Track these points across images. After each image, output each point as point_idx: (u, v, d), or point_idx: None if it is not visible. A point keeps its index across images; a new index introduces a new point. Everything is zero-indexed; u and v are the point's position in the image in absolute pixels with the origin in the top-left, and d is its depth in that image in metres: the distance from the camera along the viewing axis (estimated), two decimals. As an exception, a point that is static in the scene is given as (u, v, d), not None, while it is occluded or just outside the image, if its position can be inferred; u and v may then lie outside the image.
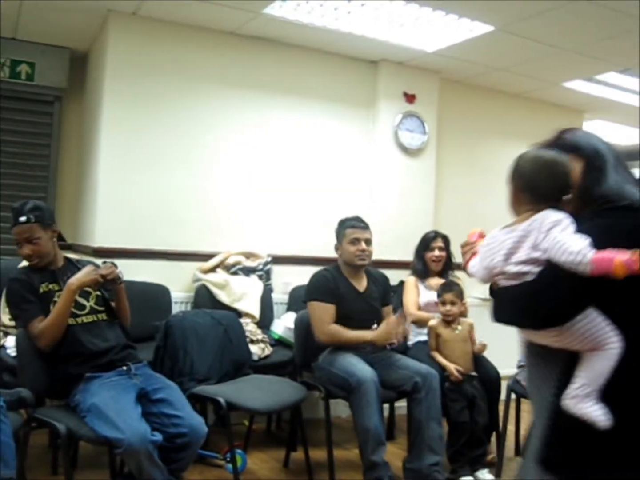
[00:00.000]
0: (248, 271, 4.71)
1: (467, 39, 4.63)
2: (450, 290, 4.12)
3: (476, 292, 5.26)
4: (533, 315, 1.62)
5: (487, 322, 5.47)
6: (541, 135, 6.94)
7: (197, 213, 4.70)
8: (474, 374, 4.05)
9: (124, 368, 3.10)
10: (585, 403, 1.55)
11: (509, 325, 1.72)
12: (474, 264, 1.80)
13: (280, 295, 4.96)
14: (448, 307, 4.10)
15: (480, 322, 4.45)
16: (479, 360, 4.13)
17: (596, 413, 1.53)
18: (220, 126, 4.79)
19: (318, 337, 3.79)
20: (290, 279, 4.88)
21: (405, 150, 5.33)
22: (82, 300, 3.16)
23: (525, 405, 4.21)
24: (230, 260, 4.68)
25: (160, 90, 4.59)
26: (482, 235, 1.85)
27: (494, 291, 1.75)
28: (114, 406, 2.81)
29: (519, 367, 4.07)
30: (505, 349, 4.45)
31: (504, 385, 4.14)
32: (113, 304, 3.31)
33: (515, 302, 1.66)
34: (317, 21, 4.45)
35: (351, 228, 3.90)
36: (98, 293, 3.25)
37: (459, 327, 4.11)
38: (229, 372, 3.80)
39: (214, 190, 4.76)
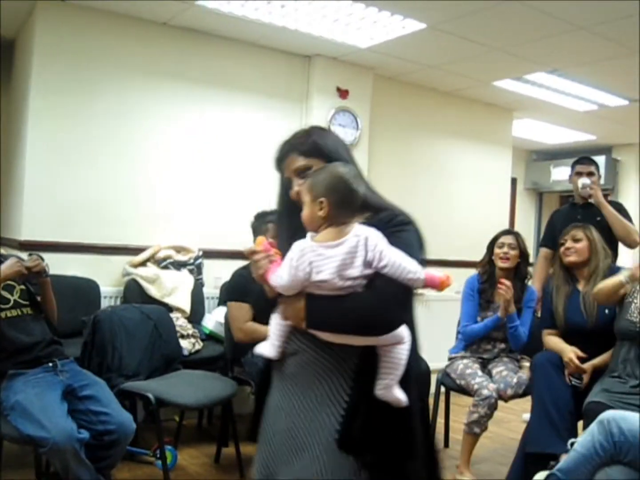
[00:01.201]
0: (179, 265, 4.67)
1: (400, 36, 4.68)
2: None
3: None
4: (379, 323, 1.73)
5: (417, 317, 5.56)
6: (472, 132, 7.12)
7: (127, 206, 4.63)
8: (404, 367, 4.09)
9: (50, 364, 3.04)
10: (394, 389, 1.74)
11: (331, 333, 1.75)
12: (281, 275, 1.74)
13: (211, 290, 4.93)
14: None
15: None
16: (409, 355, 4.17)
17: (401, 396, 1.74)
18: (151, 118, 4.72)
19: (236, 336, 3.76)
20: (222, 273, 4.84)
21: (338, 145, 5.34)
22: (5, 294, 3.07)
23: (455, 398, 4.31)
24: (161, 254, 4.62)
25: (90, 80, 4.48)
26: (273, 245, 1.81)
27: (316, 299, 1.74)
28: (39, 404, 2.75)
29: (450, 359, 4.15)
30: (434, 343, 4.53)
31: (433, 378, 4.21)
32: (39, 298, 3.23)
33: (356, 311, 1.72)
34: (251, 14, 4.42)
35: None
36: (23, 287, 3.17)
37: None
38: (158, 367, 3.76)
39: (145, 183, 4.69)
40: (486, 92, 6.13)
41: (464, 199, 6.44)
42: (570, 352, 3.44)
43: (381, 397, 1.75)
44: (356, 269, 1.72)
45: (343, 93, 5.38)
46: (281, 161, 1.92)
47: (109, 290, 4.52)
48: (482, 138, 6.61)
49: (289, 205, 1.90)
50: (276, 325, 1.86)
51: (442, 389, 4.16)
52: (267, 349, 1.88)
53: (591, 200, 4.60)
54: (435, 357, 4.37)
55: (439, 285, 1.82)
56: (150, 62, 4.69)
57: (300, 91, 5.33)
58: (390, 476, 1.76)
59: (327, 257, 1.72)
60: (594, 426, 2.33)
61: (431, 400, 4.13)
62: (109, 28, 4.52)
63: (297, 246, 1.76)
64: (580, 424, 3.30)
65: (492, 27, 4.43)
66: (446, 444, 4.51)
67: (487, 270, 4.14)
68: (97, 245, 4.50)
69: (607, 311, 3.50)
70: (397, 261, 1.73)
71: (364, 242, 1.74)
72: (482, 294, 4.13)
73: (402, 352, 1.77)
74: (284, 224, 1.97)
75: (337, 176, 1.79)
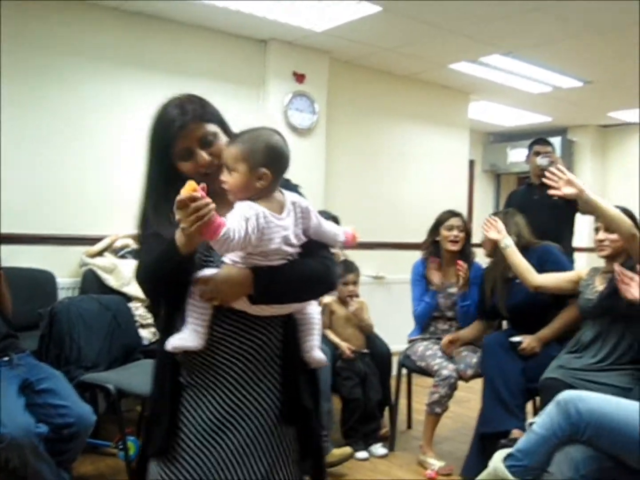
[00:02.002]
0: (137, 254, 4.61)
1: (355, 19, 4.65)
2: (353, 271, 4.19)
3: (367, 270, 5.35)
4: (325, 286, 1.83)
5: (377, 300, 5.62)
6: (429, 115, 7.12)
7: (83, 196, 4.55)
8: (365, 351, 4.12)
9: (6, 358, 2.99)
10: (317, 349, 1.85)
11: (279, 304, 1.74)
12: (238, 228, 1.55)
13: (170, 278, 4.87)
14: (351, 287, 4.16)
15: (370, 299, 4.55)
16: (369, 338, 4.21)
17: (322, 355, 1.86)
18: (105, 106, 4.63)
19: None
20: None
21: (295, 129, 5.32)
22: (-43, 287, 3.01)
23: (416, 379, 4.35)
24: (118, 244, 4.55)
25: (45, 67, 4.38)
26: (204, 189, 1.50)
27: (265, 270, 1.68)
28: (-5, 399, 2.70)
29: (409, 342, 4.19)
30: (395, 325, 4.58)
31: (395, 361, 4.24)
32: (-8, 291, 3.16)
33: (304, 278, 1.74)
34: (204, -2, 4.37)
35: None
36: (-25, 281, 3.10)
37: (351, 305, 4.17)
38: (118, 357, 3.73)
39: (101, 171, 4.61)
40: (442, 74, 6.15)
41: (423, 181, 6.47)
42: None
43: (309, 360, 1.82)
44: (298, 236, 1.74)
45: (299, 77, 5.35)
46: (179, 130, 1.72)
47: (66, 281, 4.44)
48: (440, 121, 6.64)
49: (174, 182, 1.67)
50: (198, 308, 1.67)
51: (404, 371, 4.19)
52: (188, 339, 1.66)
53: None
54: (397, 339, 4.43)
55: (352, 241, 1.94)
56: (103, 47, 4.59)
57: (257, 76, 5.28)
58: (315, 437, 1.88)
59: (277, 226, 1.68)
60: (552, 407, 2.36)
61: (393, 382, 4.18)
62: (62, 14, 4.41)
63: (249, 208, 1.64)
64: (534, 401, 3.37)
65: (447, 10, 4.43)
66: (409, 425, 4.55)
67: (431, 253, 4.19)
68: (53, 236, 4.42)
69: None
70: (324, 225, 1.81)
71: (300, 210, 1.76)
72: (427, 277, 4.18)
73: (317, 311, 1.86)
74: (168, 206, 1.64)
75: (279, 145, 1.75)
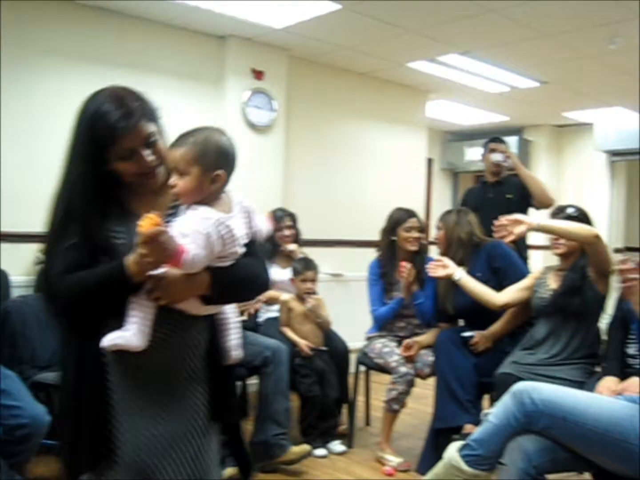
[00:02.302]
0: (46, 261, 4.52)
1: (315, 17, 4.65)
2: (311, 268, 4.19)
3: (326, 268, 5.35)
4: (264, 285, 1.89)
5: (336, 297, 5.63)
6: (388, 113, 7.14)
7: (37, 191, 4.45)
8: (323, 348, 4.13)
9: (-44, 359, 2.92)
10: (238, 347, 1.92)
11: (230, 302, 1.83)
12: (197, 252, 1.57)
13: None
14: (309, 284, 4.16)
15: (329, 297, 4.56)
16: (328, 335, 4.21)
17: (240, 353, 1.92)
18: (56, 99, 4.53)
19: None
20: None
21: (253, 127, 5.30)
22: None
23: (374, 376, 4.37)
24: (74, 241, 4.48)
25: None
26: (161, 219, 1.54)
27: (220, 271, 1.68)
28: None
29: (367, 339, 4.20)
30: (353, 323, 4.60)
31: (353, 358, 4.25)
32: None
33: (251, 277, 1.79)
34: (162, -7, 4.33)
35: None
36: None
37: (310, 303, 4.17)
38: (73, 357, 3.67)
39: (53, 167, 4.52)
40: (401, 73, 6.17)
41: (381, 179, 6.50)
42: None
43: (236, 357, 1.87)
44: (245, 236, 1.75)
45: (258, 74, 5.33)
46: (125, 131, 1.64)
47: (20, 279, 4.36)
48: (398, 119, 6.68)
49: (109, 183, 1.70)
50: (145, 308, 1.62)
51: (362, 368, 4.21)
52: (132, 339, 1.59)
53: (502, 177, 4.78)
54: (355, 337, 4.45)
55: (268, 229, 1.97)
56: (55, 41, 4.48)
57: (215, 73, 5.23)
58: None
59: (234, 229, 1.68)
60: (507, 398, 2.39)
61: (351, 380, 4.20)
62: (8, 6, 4.33)
63: (207, 219, 1.63)
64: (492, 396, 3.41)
65: (405, 9, 4.45)
66: (367, 422, 4.58)
67: (387, 254, 4.19)
68: (5, 233, 4.33)
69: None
70: (259, 223, 1.84)
71: (245, 209, 1.78)
72: (385, 277, 4.19)
73: (232, 309, 1.89)
74: (99, 208, 1.68)
75: (229, 146, 1.74)
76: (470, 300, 3.62)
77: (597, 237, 3.07)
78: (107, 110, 1.65)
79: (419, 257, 4.14)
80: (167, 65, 4.97)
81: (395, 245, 4.15)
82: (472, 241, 3.77)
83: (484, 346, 3.62)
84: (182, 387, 1.72)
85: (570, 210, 3.36)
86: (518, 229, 3.13)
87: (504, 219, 3.19)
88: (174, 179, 1.68)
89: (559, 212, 3.40)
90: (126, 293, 1.60)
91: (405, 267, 3.94)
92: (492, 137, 5.07)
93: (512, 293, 3.51)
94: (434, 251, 4.21)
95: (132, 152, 1.67)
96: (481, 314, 3.64)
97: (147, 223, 1.48)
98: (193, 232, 1.60)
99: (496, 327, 3.66)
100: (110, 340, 1.60)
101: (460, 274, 3.58)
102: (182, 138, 1.71)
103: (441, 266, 3.64)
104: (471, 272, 3.70)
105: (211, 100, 5.21)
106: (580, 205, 3.46)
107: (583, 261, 3.26)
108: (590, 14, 4.37)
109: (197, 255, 1.57)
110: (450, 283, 3.72)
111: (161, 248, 1.51)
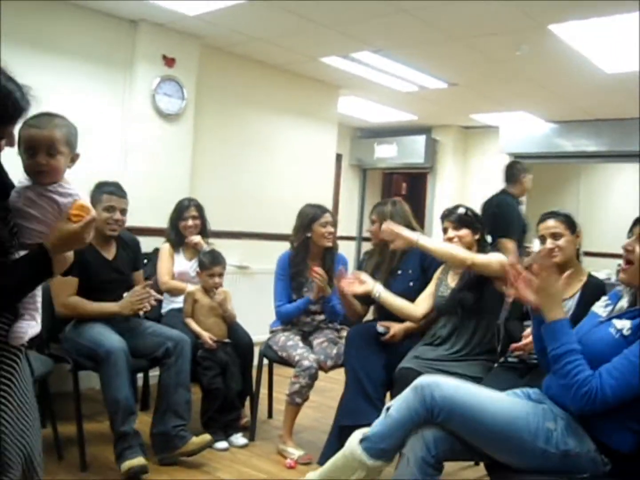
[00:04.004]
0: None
1: (229, 6, 4.59)
2: (220, 262, 4.14)
3: (232, 260, 5.32)
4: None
5: (241, 289, 5.60)
6: (299, 107, 7.12)
7: None
8: (227, 340, 4.10)
9: None
10: None
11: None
12: None
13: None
14: (217, 279, 4.12)
15: (234, 289, 4.54)
16: (232, 327, 4.18)
17: None
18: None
19: (58, 310, 3.62)
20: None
21: (162, 114, 5.19)
22: None
23: (278, 369, 4.37)
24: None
25: None
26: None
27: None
28: None
29: (271, 332, 4.20)
30: (257, 315, 4.59)
31: (256, 351, 4.24)
32: None
33: None
34: (70, -28, 4.18)
35: (108, 194, 3.72)
36: None
37: (216, 295, 4.14)
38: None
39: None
40: (313, 67, 6.19)
41: (290, 173, 6.50)
42: None
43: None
44: None
45: (169, 61, 5.22)
46: (25, 112, 1.72)
47: None
48: (309, 113, 6.69)
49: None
50: (37, 297, 1.83)
51: (265, 361, 4.20)
52: (37, 326, 1.79)
53: None
54: (259, 329, 4.44)
55: None
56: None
57: (125, 57, 5.09)
58: None
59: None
60: (409, 392, 2.43)
61: (254, 372, 4.18)
62: None
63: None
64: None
65: (319, 4, 4.45)
66: (270, 415, 4.58)
67: (302, 251, 4.17)
68: None
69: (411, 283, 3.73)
70: None
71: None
72: (296, 274, 4.18)
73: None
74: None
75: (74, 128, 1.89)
76: (402, 291, 3.63)
77: (472, 265, 3.16)
78: (12, 90, 1.65)
79: (330, 254, 4.17)
80: (75, 47, 4.80)
81: (309, 242, 4.14)
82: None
83: (400, 338, 3.63)
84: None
85: (460, 211, 3.43)
86: (397, 243, 3.22)
87: (386, 226, 3.25)
88: (43, 158, 1.78)
89: (449, 214, 3.47)
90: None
91: (318, 272, 3.93)
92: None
93: (426, 302, 3.54)
94: (366, 246, 4.21)
95: (9, 133, 1.69)
96: None
97: (79, 208, 1.78)
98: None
99: (412, 325, 3.67)
100: (28, 332, 1.73)
101: (378, 290, 3.53)
102: (44, 120, 1.81)
103: (358, 281, 3.57)
104: (403, 268, 3.74)
105: (120, 85, 5.07)
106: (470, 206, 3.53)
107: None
108: (499, 20, 4.49)
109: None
110: (387, 271, 3.72)
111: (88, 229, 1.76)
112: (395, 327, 3.64)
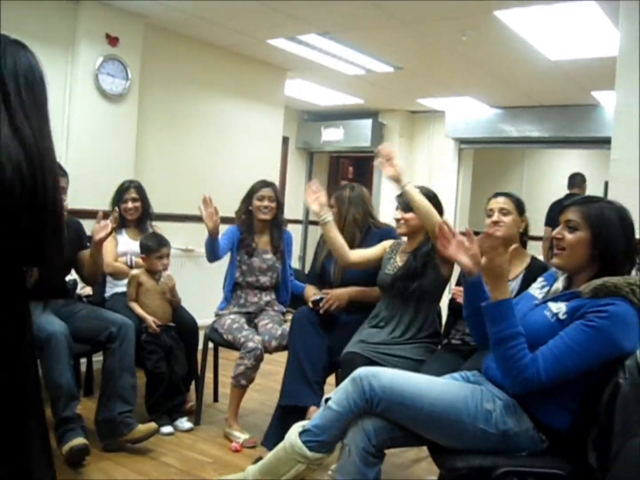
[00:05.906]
0: None
1: (173, -15, 4.53)
2: (166, 244, 4.11)
3: (176, 243, 5.27)
4: None
5: (186, 273, 5.56)
6: (246, 89, 7.07)
7: None
8: (171, 324, 4.07)
9: None
10: None
11: None
12: None
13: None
14: (165, 260, 4.08)
15: (179, 272, 4.50)
16: (176, 311, 4.15)
17: None
18: None
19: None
20: None
21: (105, 95, 5.09)
22: None
23: (223, 352, 4.36)
24: None
25: None
26: None
27: None
28: None
29: (217, 315, 4.18)
30: (202, 298, 4.56)
31: (201, 334, 4.22)
32: None
33: None
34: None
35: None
36: None
37: (161, 278, 4.10)
38: None
39: None
40: (260, 49, 6.14)
41: (236, 155, 6.45)
42: None
43: None
44: None
45: (112, 40, 5.12)
46: None
47: None
48: (256, 96, 6.64)
49: None
50: None
51: (210, 344, 4.18)
52: None
53: None
54: (204, 313, 4.41)
55: None
56: None
57: (66, 36, 4.97)
58: None
59: None
60: (347, 384, 2.43)
61: (200, 356, 4.16)
62: None
63: None
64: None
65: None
66: (215, 399, 4.57)
67: (246, 221, 4.26)
68: None
69: None
70: None
71: None
72: (243, 243, 4.24)
73: None
74: None
75: None
76: (359, 273, 3.68)
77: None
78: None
79: (277, 230, 4.26)
80: (14, 24, 4.63)
81: (252, 214, 4.22)
82: (366, 217, 3.83)
83: (336, 304, 3.66)
84: None
85: (422, 191, 3.44)
86: (387, 170, 3.24)
87: (382, 149, 3.27)
88: None
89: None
90: None
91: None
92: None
93: (361, 257, 3.55)
94: (312, 230, 4.24)
95: None
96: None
97: None
98: None
99: (354, 289, 3.73)
100: None
101: (329, 217, 3.48)
102: None
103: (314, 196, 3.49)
104: None
105: (61, 64, 4.95)
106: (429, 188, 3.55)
107: (427, 247, 3.37)
108: (446, 5, 4.51)
109: None
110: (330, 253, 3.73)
111: None
112: (331, 294, 3.68)
